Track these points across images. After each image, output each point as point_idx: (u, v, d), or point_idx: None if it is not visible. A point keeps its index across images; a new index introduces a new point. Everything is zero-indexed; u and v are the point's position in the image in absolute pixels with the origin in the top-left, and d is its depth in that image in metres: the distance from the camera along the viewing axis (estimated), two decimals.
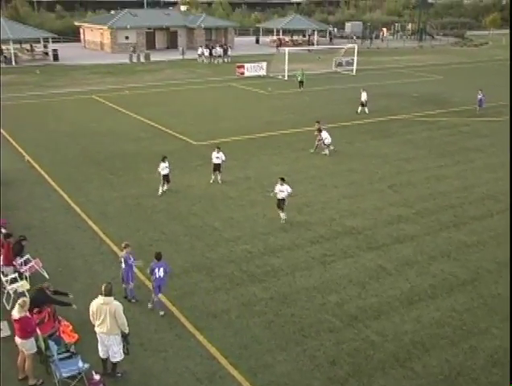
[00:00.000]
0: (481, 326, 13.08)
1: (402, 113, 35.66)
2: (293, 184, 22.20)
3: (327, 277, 15.19)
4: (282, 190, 18.32)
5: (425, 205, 20.17)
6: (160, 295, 13.48)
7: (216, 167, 22.09)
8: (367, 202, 20.48)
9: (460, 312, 13.59)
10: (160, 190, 20.97)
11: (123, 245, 13.85)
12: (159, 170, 20.73)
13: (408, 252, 16.64)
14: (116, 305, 10.84)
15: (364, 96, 35.22)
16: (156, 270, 13.11)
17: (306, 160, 25.51)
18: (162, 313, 13.34)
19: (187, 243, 17.07)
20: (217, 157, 21.95)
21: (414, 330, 12.83)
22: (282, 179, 18.49)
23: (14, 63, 56.69)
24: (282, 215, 18.54)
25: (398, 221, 18.76)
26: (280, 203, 18.50)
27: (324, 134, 25.87)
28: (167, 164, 20.76)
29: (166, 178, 20.94)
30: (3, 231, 15.76)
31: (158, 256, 13.26)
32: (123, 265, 13.53)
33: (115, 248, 16.47)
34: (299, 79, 44.52)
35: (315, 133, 26.35)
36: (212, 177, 22.31)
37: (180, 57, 63.24)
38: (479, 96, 35.50)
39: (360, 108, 35.25)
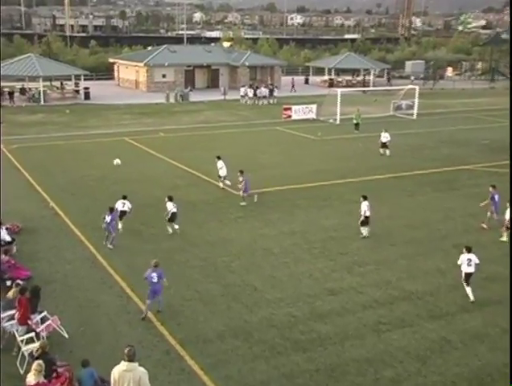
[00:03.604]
0: None
1: (469, 163, 35.35)
2: (343, 240, 22.23)
3: (381, 348, 14.92)
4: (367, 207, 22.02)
5: (497, 269, 19.71)
6: (149, 301, 16.04)
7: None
8: (429, 263, 20.18)
9: None
10: (171, 230, 22.70)
11: (153, 263, 16.27)
12: (168, 209, 22.53)
13: (477, 323, 16.23)
14: (141, 371, 10.83)
15: (385, 138, 36.38)
16: (153, 275, 16.00)
17: (358, 213, 25.39)
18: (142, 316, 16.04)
19: (223, 304, 17.13)
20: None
21: None
22: (365, 197, 22.26)
23: (42, 101, 59.17)
24: (364, 230, 22.10)
25: (464, 286, 18.38)
26: (366, 220, 21.98)
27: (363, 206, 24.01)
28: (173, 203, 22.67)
29: (173, 216, 22.65)
30: (19, 281, 16.23)
31: (156, 264, 16.27)
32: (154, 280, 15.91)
33: (143, 307, 16.62)
34: (354, 121, 45.04)
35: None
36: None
37: (222, 97, 64.81)
38: None
39: (382, 150, 36.56)
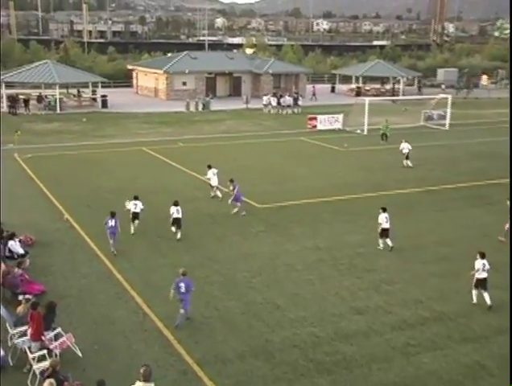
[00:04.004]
0: None
1: (504, 177, 34.91)
2: (371, 257, 22.11)
3: (410, 371, 14.78)
4: (386, 219, 22.42)
5: None
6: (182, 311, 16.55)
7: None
8: (461, 282, 19.94)
9: None
10: (178, 235, 23.62)
11: (181, 271, 16.87)
12: (170, 213, 23.42)
13: None
14: None
15: (406, 147, 36.95)
16: (181, 284, 16.51)
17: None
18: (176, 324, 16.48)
19: (244, 322, 17.12)
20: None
21: None
22: (383, 209, 22.62)
23: (59, 109, 59.91)
24: (389, 241, 22.43)
25: (500, 308, 18.15)
26: (384, 232, 22.40)
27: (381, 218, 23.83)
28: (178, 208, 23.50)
29: (176, 221, 23.51)
30: (28, 297, 16.38)
31: (184, 273, 16.78)
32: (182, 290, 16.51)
33: (160, 325, 16.69)
34: (381, 131, 44.98)
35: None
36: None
37: (244, 106, 65.09)
38: None
39: (406, 162, 36.96)
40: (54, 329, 15.33)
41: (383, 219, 22.63)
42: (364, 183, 33.01)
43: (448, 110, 54.05)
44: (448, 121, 53.63)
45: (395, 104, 66.15)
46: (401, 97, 71.13)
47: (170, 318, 17.09)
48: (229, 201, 27.18)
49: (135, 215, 23.79)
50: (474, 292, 18.52)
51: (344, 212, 27.64)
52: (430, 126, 54.14)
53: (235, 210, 26.99)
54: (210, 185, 29.56)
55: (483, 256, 18.50)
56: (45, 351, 14.57)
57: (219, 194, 29.33)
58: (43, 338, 14.81)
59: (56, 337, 15.19)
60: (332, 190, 31.56)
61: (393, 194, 30.86)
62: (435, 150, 42.59)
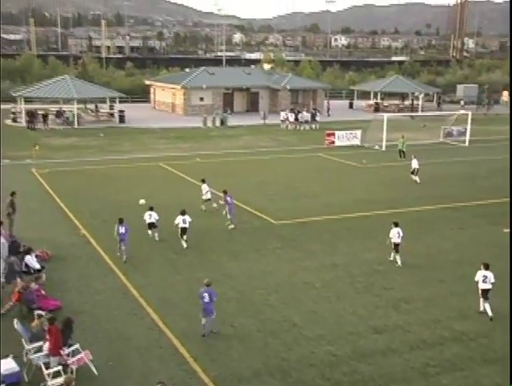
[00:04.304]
0: None
1: None
2: (389, 275, 21.95)
3: None
4: (398, 234, 22.56)
5: None
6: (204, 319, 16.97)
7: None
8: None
9: None
10: (185, 245, 24.41)
11: (205, 282, 17.22)
12: (176, 222, 24.28)
13: None
14: None
15: (415, 164, 37.00)
16: (204, 294, 16.94)
17: (405, 246, 25.06)
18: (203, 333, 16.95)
19: (260, 340, 17.04)
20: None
21: None
22: (395, 224, 22.86)
23: (76, 124, 60.49)
24: (398, 258, 22.71)
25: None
26: (396, 247, 22.55)
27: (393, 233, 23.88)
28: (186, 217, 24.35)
29: (182, 230, 24.35)
30: (41, 313, 16.41)
31: (208, 283, 17.18)
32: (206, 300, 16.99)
33: (175, 342, 16.65)
34: (399, 147, 44.86)
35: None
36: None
37: (261, 122, 65.24)
38: None
39: (414, 177, 37.14)
40: (70, 345, 15.35)
41: (395, 234, 22.86)
42: (382, 200, 32.87)
43: (468, 126, 53.78)
44: (467, 138, 53.34)
45: (414, 120, 66.02)
46: (420, 113, 70.94)
47: (186, 335, 17.08)
48: (224, 212, 27.79)
49: (151, 225, 25.13)
50: (486, 305, 18.81)
51: (363, 229, 27.51)
52: (449, 142, 53.89)
53: (232, 225, 27.35)
54: (202, 199, 29.86)
55: (486, 267, 18.91)
56: (60, 367, 14.60)
57: (215, 205, 29.52)
58: (61, 352, 14.85)
59: (74, 353, 15.20)
60: (351, 206, 31.47)
61: (412, 211, 30.68)
62: (454, 167, 42.35)
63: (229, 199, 27.51)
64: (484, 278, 18.71)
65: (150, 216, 25.05)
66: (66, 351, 15.08)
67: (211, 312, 17.16)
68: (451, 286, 21.07)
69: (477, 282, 18.91)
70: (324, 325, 18.00)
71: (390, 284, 21.16)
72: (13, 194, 26.07)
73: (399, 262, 22.82)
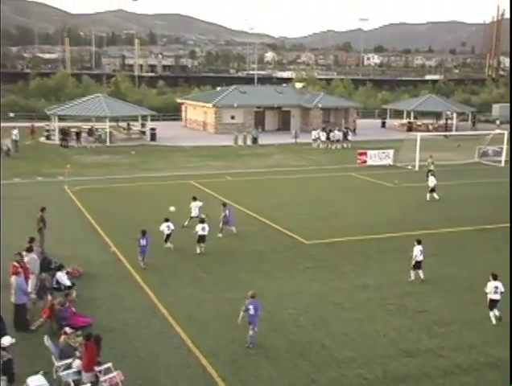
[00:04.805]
0: None
1: None
2: (422, 297, 21.70)
3: None
4: (420, 251, 22.77)
5: None
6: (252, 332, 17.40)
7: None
8: None
9: None
10: (198, 250, 25.97)
11: (250, 294, 17.65)
12: (196, 230, 25.82)
13: None
14: None
15: (432, 182, 37.33)
16: (250, 306, 17.38)
17: (438, 268, 24.85)
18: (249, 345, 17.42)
19: (289, 361, 16.94)
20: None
21: None
22: (418, 241, 23.01)
23: (108, 142, 61.31)
24: (421, 272, 22.83)
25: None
26: (417, 264, 22.75)
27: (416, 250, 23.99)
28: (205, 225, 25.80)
29: (201, 238, 25.76)
30: (66, 330, 16.54)
31: (253, 295, 17.61)
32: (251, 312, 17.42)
33: (204, 361, 16.65)
34: (430, 167, 44.44)
35: None
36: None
37: (292, 141, 65.36)
38: None
39: (428, 195, 37.36)
40: (99, 363, 15.43)
41: (418, 252, 22.99)
42: (415, 221, 32.58)
43: (504, 146, 53.12)
44: (503, 158, 52.67)
45: (448, 140, 65.42)
46: (454, 133, 70.29)
47: (214, 354, 17.08)
48: (220, 225, 28.59)
49: (168, 236, 26.19)
50: (491, 313, 19.56)
51: (394, 250, 27.28)
52: (485, 163, 53.28)
53: (220, 235, 28.53)
54: (190, 217, 29.85)
55: (495, 278, 19.69)
56: (90, 385, 14.71)
57: (187, 223, 29.58)
58: (96, 368, 14.96)
59: (106, 371, 15.28)
60: (382, 227, 31.26)
61: (444, 232, 30.37)
62: (489, 188, 41.80)
63: (227, 212, 28.91)
64: (495, 289, 19.42)
65: (169, 228, 26.04)
66: (97, 368, 15.18)
67: (255, 324, 17.60)
68: (486, 310, 20.68)
69: (487, 293, 19.62)
70: (354, 347, 17.84)
71: (423, 306, 20.90)
72: (43, 209, 26.48)
73: (422, 276, 23.08)
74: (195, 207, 29.99)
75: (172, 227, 26.12)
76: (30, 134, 63.12)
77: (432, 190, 37.54)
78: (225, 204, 29.48)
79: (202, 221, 26.16)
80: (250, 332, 17.55)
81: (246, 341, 17.60)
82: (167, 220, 26.14)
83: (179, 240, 28.29)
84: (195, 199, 30.49)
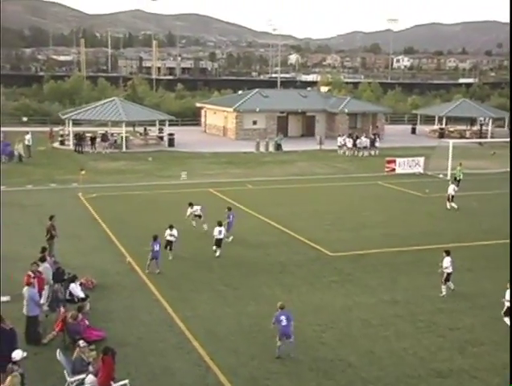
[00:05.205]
0: None
1: None
2: (454, 314, 21.51)
3: None
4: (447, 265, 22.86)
5: None
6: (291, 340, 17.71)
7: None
8: None
9: None
10: (218, 253, 27.08)
11: (279, 305, 18.14)
12: (214, 234, 27.15)
13: None
14: None
15: (451, 190, 37.55)
16: (281, 317, 17.81)
17: (472, 283, 24.63)
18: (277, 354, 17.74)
19: (312, 380, 16.87)
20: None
21: None
22: (447, 252, 23.09)
23: (124, 148, 61.69)
24: (444, 288, 22.99)
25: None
26: (448, 277, 22.93)
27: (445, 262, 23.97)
28: (222, 228, 27.18)
29: (218, 242, 27.08)
30: (80, 343, 16.59)
31: (282, 306, 18.11)
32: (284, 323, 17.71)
33: (223, 379, 16.63)
34: (455, 176, 44.19)
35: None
36: None
37: (317, 147, 65.32)
38: None
39: (449, 205, 37.82)
40: (114, 379, 15.48)
41: (448, 264, 23.13)
42: (446, 232, 32.35)
43: None
44: None
45: (483, 147, 64.99)
46: (489, 139, 69.75)
47: (234, 372, 17.04)
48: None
49: (169, 243, 26.65)
50: (506, 319, 20.53)
51: (425, 263, 27.04)
52: None
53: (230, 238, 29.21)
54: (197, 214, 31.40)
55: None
56: None
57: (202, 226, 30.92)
58: (113, 384, 15.03)
59: None
60: (412, 238, 31.07)
61: (479, 245, 30.10)
62: None
63: (231, 216, 29.78)
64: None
65: (171, 235, 26.65)
66: (114, 385, 15.25)
67: (289, 335, 17.89)
68: None
69: (504, 302, 20.47)
70: (381, 366, 17.71)
71: (456, 324, 20.70)
72: (51, 218, 26.72)
73: (452, 287, 23.41)
74: (191, 213, 31.29)
75: (176, 234, 26.60)
76: (49, 138, 63.82)
77: (449, 198, 37.81)
78: (230, 208, 30.65)
79: (220, 224, 27.22)
80: (278, 343, 17.80)
81: (276, 352, 17.89)
82: (171, 227, 26.73)
83: (196, 250, 28.45)
84: (191, 204, 31.51)
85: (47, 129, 67.38)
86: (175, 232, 26.64)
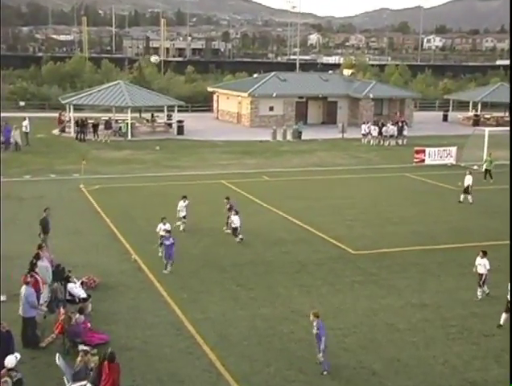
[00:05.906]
0: None
1: None
2: (489, 319, 21.41)
3: None
4: (480, 264, 22.94)
5: None
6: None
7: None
8: None
9: None
10: (238, 239, 28.82)
11: (314, 313, 17.81)
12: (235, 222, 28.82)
13: None
14: None
15: (468, 181, 37.81)
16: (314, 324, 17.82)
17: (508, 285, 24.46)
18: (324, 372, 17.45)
19: None
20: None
21: None
22: (484, 253, 23.00)
23: (130, 136, 61.74)
24: (479, 292, 23.03)
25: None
26: (480, 279, 22.95)
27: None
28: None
29: (235, 230, 28.69)
30: (86, 348, 16.69)
31: (318, 314, 17.90)
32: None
33: None
34: (485, 167, 44.00)
35: None
36: None
37: (339, 136, 65.15)
38: None
39: (462, 196, 37.92)
40: None
41: (486, 265, 23.11)
42: (481, 230, 32.21)
43: None
44: None
45: None
46: None
47: (247, 379, 17.07)
48: (226, 228, 30.44)
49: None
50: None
51: (457, 263, 26.97)
52: None
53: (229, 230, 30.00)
54: (178, 217, 30.68)
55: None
56: None
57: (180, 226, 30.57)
58: None
59: None
60: (443, 236, 30.95)
61: None
62: None
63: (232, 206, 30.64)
64: None
65: (165, 230, 26.39)
66: None
67: (323, 342, 17.75)
68: None
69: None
70: (409, 375, 17.68)
71: (491, 330, 20.59)
72: (46, 210, 26.90)
73: (488, 291, 23.40)
74: (182, 208, 30.79)
75: (168, 228, 26.46)
76: (58, 124, 63.83)
77: (466, 190, 37.73)
78: (228, 198, 31.58)
79: (237, 213, 28.87)
80: (322, 358, 17.69)
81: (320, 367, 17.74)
82: (163, 221, 26.88)
83: (207, 247, 28.48)
84: (185, 197, 31.09)
85: (45, 114, 67.52)
86: (168, 226, 26.63)
